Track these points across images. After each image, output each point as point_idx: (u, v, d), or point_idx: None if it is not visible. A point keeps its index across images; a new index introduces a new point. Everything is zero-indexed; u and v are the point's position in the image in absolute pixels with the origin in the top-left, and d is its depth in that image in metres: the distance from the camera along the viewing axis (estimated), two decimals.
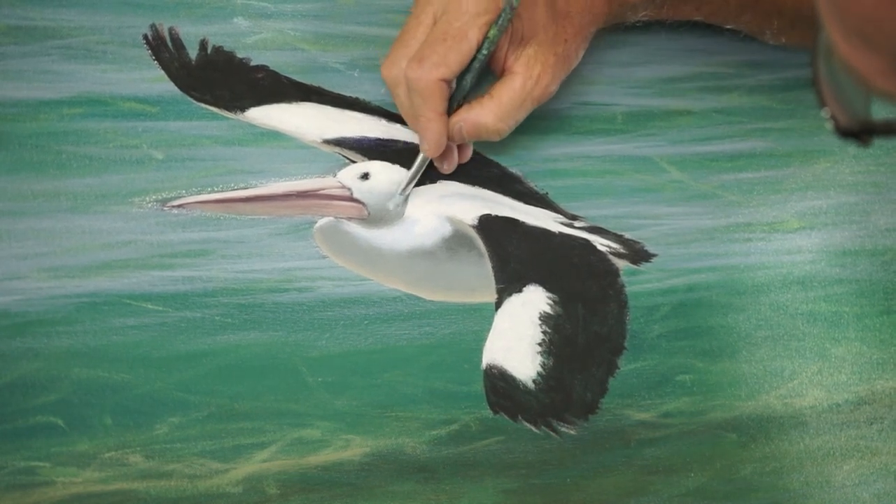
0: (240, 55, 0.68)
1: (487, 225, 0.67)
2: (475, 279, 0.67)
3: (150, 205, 0.65)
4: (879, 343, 0.73)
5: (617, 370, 0.68)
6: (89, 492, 0.60)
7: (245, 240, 0.65)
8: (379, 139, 0.69)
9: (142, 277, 0.63)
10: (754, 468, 0.68)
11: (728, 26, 0.72)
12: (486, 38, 0.62)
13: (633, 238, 0.71)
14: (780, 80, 0.76)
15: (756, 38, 0.73)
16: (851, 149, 0.76)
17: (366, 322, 0.65)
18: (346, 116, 0.69)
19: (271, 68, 0.69)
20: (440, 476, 0.64)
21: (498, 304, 0.66)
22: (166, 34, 0.67)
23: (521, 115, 0.66)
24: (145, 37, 0.67)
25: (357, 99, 0.69)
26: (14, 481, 0.59)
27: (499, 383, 0.65)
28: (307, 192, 0.66)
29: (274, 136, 0.67)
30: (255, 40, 0.69)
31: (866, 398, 0.71)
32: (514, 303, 0.66)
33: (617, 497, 0.66)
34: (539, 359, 0.65)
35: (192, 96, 0.67)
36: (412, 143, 0.67)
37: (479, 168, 0.70)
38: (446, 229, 0.67)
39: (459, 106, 0.65)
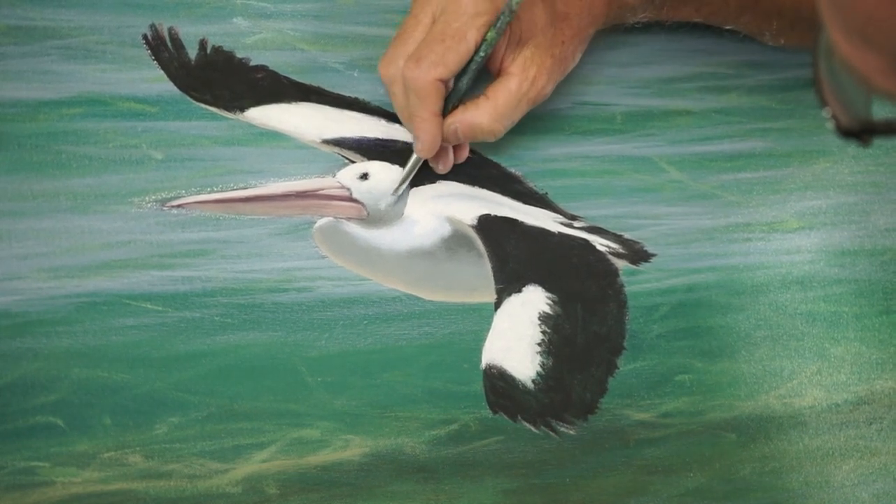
0: (239, 55, 0.68)
1: (487, 225, 0.67)
2: (474, 279, 0.67)
3: (149, 205, 0.65)
4: (878, 343, 0.73)
5: (616, 370, 0.68)
6: (89, 492, 0.60)
7: (244, 240, 0.65)
8: (378, 139, 0.69)
9: (141, 277, 0.63)
10: (754, 468, 0.68)
11: (727, 27, 0.72)
12: (483, 40, 0.62)
13: (633, 238, 0.71)
14: (780, 80, 0.76)
15: (755, 39, 0.73)
16: (851, 149, 0.76)
17: (365, 322, 0.65)
18: (345, 116, 0.69)
19: (271, 68, 0.69)
20: (440, 476, 0.64)
21: (497, 304, 0.66)
22: (166, 34, 0.67)
23: (517, 116, 0.66)
24: (145, 37, 0.67)
25: (356, 99, 0.69)
26: (14, 481, 0.59)
27: (498, 383, 0.65)
28: (306, 192, 0.66)
29: (273, 136, 0.67)
30: (255, 40, 0.69)
31: (865, 398, 0.71)
32: (513, 303, 0.66)
33: (616, 497, 0.66)
34: (538, 359, 0.65)
35: (191, 96, 0.67)
36: (411, 144, 0.67)
37: (479, 168, 0.70)
38: (445, 229, 0.67)
39: (455, 107, 0.65)
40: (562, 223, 0.70)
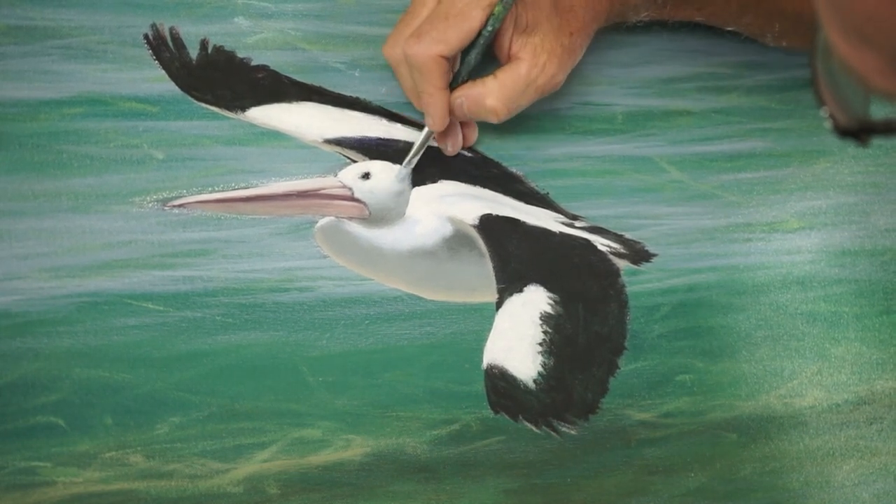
0: (240, 55, 0.68)
1: (488, 225, 0.67)
2: (476, 279, 0.67)
3: (150, 204, 0.65)
4: (879, 343, 0.73)
5: (617, 370, 0.68)
6: (90, 492, 0.60)
7: (246, 239, 0.65)
8: (380, 139, 0.69)
9: (142, 277, 0.63)
10: (754, 468, 0.69)
11: (729, 28, 0.73)
12: (491, 14, 0.62)
13: (634, 238, 0.71)
14: (779, 80, 0.76)
15: (757, 40, 0.73)
16: (851, 149, 0.76)
17: (367, 322, 0.65)
18: (346, 116, 0.69)
19: (272, 68, 0.68)
20: (441, 476, 0.64)
21: (499, 304, 0.66)
22: (167, 34, 0.67)
23: (524, 102, 0.66)
24: (146, 36, 0.67)
25: (358, 99, 0.69)
26: (14, 481, 0.59)
27: (499, 383, 0.65)
28: (308, 191, 0.66)
29: (274, 136, 0.67)
30: (256, 40, 0.68)
31: (866, 398, 0.72)
32: (514, 303, 0.66)
33: (617, 497, 0.66)
34: (540, 359, 0.65)
35: (192, 96, 0.67)
36: (412, 143, 0.67)
37: (480, 168, 0.70)
38: (447, 229, 0.67)
39: (464, 82, 0.65)
40: (563, 223, 0.70)
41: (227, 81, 0.67)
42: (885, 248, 0.75)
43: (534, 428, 0.65)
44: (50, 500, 0.59)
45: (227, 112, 0.67)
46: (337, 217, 0.66)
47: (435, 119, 0.65)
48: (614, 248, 0.70)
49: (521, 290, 0.67)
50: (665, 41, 0.75)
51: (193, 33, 0.68)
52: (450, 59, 0.63)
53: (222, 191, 0.66)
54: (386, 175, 0.66)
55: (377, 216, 0.66)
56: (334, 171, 0.67)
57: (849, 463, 0.70)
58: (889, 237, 0.75)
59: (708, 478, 0.68)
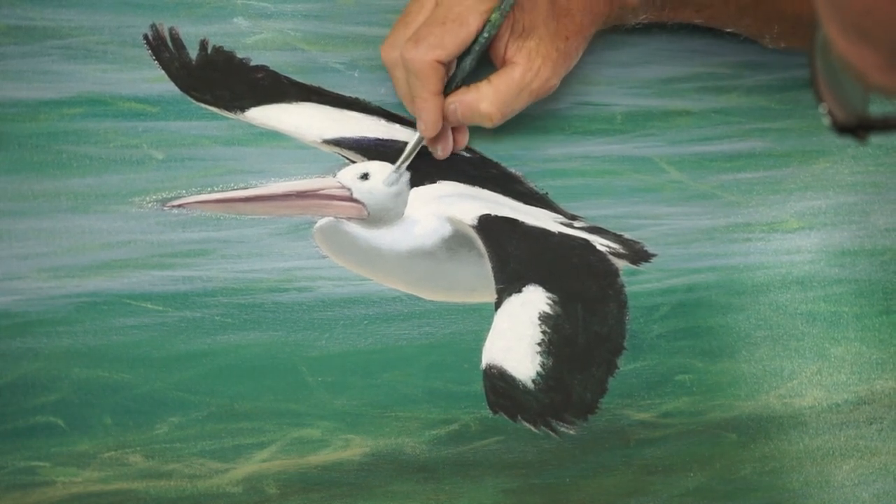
0: (240, 55, 0.68)
1: (487, 225, 0.67)
2: (475, 279, 0.67)
3: (150, 205, 0.65)
4: (879, 343, 0.73)
5: (616, 370, 0.68)
6: (89, 492, 0.60)
7: (245, 240, 0.65)
8: (378, 139, 0.69)
9: (142, 277, 0.63)
10: (754, 468, 0.69)
11: (728, 30, 0.72)
12: (487, 21, 0.63)
13: (633, 238, 0.71)
14: (779, 80, 0.76)
15: (756, 41, 0.73)
16: (850, 149, 0.76)
17: (366, 322, 0.66)
18: (345, 116, 0.69)
19: (271, 68, 0.68)
20: (440, 476, 0.64)
21: (498, 304, 0.66)
22: (166, 34, 0.67)
23: (518, 106, 0.66)
24: (145, 37, 0.67)
25: (357, 99, 0.69)
26: (14, 481, 0.59)
27: (498, 383, 0.65)
28: (307, 192, 0.66)
29: (274, 136, 0.67)
30: (255, 40, 0.69)
31: (866, 398, 0.71)
32: (513, 303, 0.66)
33: (616, 497, 0.66)
34: (539, 359, 0.65)
35: (192, 96, 0.67)
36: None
37: (479, 168, 0.70)
38: (446, 229, 0.67)
39: (458, 88, 0.65)
40: (562, 223, 0.70)
41: (226, 82, 0.67)
42: (885, 247, 0.75)
43: (532, 428, 0.65)
44: (49, 499, 0.59)
45: (227, 112, 0.67)
46: (336, 217, 0.66)
47: (427, 125, 0.65)
48: (613, 249, 0.70)
49: (519, 291, 0.67)
50: (664, 41, 0.74)
51: (193, 33, 0.68)
52: (446, 65, 0.63)
53: (222, 191, 0.66)
54: (385, 175, 0.66)
55: (376, 216, 0.66)
56: (333, 171, 0.67)
57: (848, 463, 0.70)
58: (889, 237, 0.75)
59: (707, 478, 0.68)
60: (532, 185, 0.70)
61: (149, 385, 0.62)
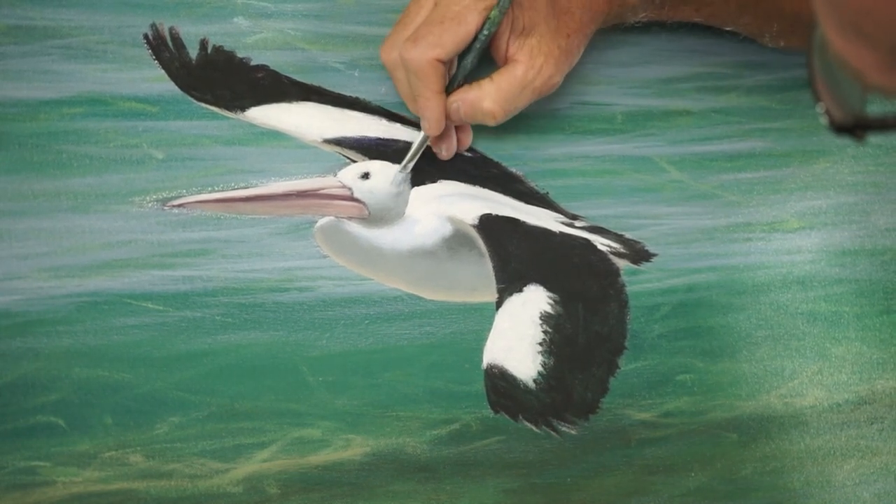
0: (240, 55, 0.68)
1: (488, 224, 0.67)
2: (476, 279, 0.67)
3: (150, 204, 0.65)
4: (879, 343, 0.73)
5: (617, 370, 0.68)
6: (90, 491, 0.60)
7: (245, 239, 0.65)
8: (379, 139, 0.69)
9: (142, 277, 0.63)
10: (755, 468, 0.68)
11: (727, 28, 0.73)
12: (487, 18, 0.63)
13: (634, 238, 0.71)
14: (779, 80, 0.76)
15: (755, 40, 0.73)
16: (851, 149, 0.76)
17: (366, 322, 0.65)
18: (346, 116, 0.69)
19: (271, 68, 0.68)
20: (441, 476, 0.64)
21: (498, 304, 0.66)
22: (166, 34, 0.67)
23: (521, 104, 0.66)
24: (145, 36, 0.67)
25: (357, 98, 0.69)
26: (14, 481, 0.59)
27: (499, 383, 0.65)
28: (307, 191, 0.66)
29: (274, 136, 0.67)
30: (256, 40, 0.69)
31: (867, 398, 0.71)
32: (514, 302, 0.66)
33: (617, 497, 0.66)
34: (540, 358, 0.65)
35: (192, 96, 0.67)
36: (412, 143, 0.67)
37: (480, 168, 0.70)
38: (447, 229, 0.67)
39: (460, 86, 0.65)
40: (563, 223, 0.70)
41: (226, 81, 0.67)
42: (886, 247, 0.75)
43: (534, 428, 0.65)
44: (50, 499, 0.59)
45: (227, 112, 0.67)
46: (336, 217, 0.66)
47: (431, 123, 0.65)
48: (614, 248, 0.70)
49: (520, 290, 0.67)
50: (664, 41, 0.75)
51: (193, 33, 0.68)
52: (446, 63, 0.63)
53: (222, 191, 0.66)
54: (385, 175, 0.66)
55: (377, 216, 0.66)
56: (334, 170, 0.67)
57: (849, 462, 0.70)
58: (889, 237, 0.75)
59: (708, 477, 0.68)
60: (533, 184, 0.70)
61: (149, 385, 0.62)
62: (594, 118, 0.73)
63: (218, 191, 0.65)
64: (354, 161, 0.68)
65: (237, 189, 0.66)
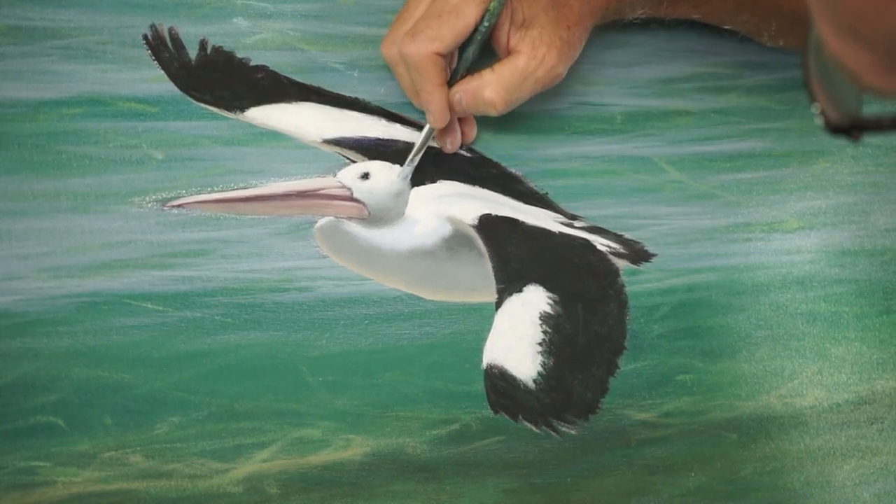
0: (239, 55, 0.68)
1: (487, 225, 0.67)
2: (475, 279, 0.67)
3: (149, 205, 0.65)
4: (879, 343, 0.73)
5: (617, 370, 0.68)
6: (89, 491, 0.60)
7: (245, 239, 0.65)
8: (379, 139, 0.69)
9: (142, 277, 0.63)
10: (755, 468, 0.68)
11: (726, 26, 0.73)
12: (487, 10, 0.63)
13: (633, 238, 0.71)
14: (778, 80, 0.76)
15: (754, 39, 0.73)
16: (850, 149, 0.76)
17: (366, 322, 0.65)
18: (345, 116, 0.69)
19: (271, 68, 0.68)
20: (441, 476, 0.64)
21: (498, 304, 0.66)
22: (166, 34, 0.67)
23: (523, 95, 0.66)
24: (145, 37, 0.67)
25: (356, 99, 0.69)
26: (14, 481, 0.59)
27: (499, 383, 0.65)
28: (307, 191, 0.66)
29: (274, 136, 0.67)
30: (255, 40, 0.69)
31: (866, 398, 0.71)
32: (514, 302, 0.66)
33: (617, 497, 0.66)
34: (539, 358, 0.65)
35: (191, 96, 0.67)
36: (412, 143, 0.67)
37: (479, 168, 0.70)
38: (446, 229, 0.67)
39: (462, 78, 0.65)
40: (562, 223, 0.70)
41: (226, 82, 0.67)
42: (885, 247, 0.75)
43: (533, 428, 0.65)
44: (49, 499, 0.59)
45: (227, 112, 0.67)
46: (336, 217, 0.66)
47: (435, 115, 0.65)
48: (614, 248, 0.70)
49: (520, 290, 0.67)
50: (664, 41, 0.75)
51: (192, 33, 0.68)
52: (446, 56, 0.63)
53: (221, 191, 0.66)
54: (385, 175, 0.66)
55: (376, 216, 0.66)
56: (333, 171, 0.67)
57: (849, 463, 0.70)
58: (889, 237, 0.75)
59: (708, 478, 0.68)
60: (532, 184, 0.70)
61: (149, 385, 0.62)
62: (593, 118, 0.73)
63: (217, 191, 0.65)
64: (354, 161, 0.68)
65: (237, 189, 0.66)
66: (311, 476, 0.63)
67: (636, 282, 0.70)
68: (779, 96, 0.76)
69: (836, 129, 0.41)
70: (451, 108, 0.65)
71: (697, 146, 0.74)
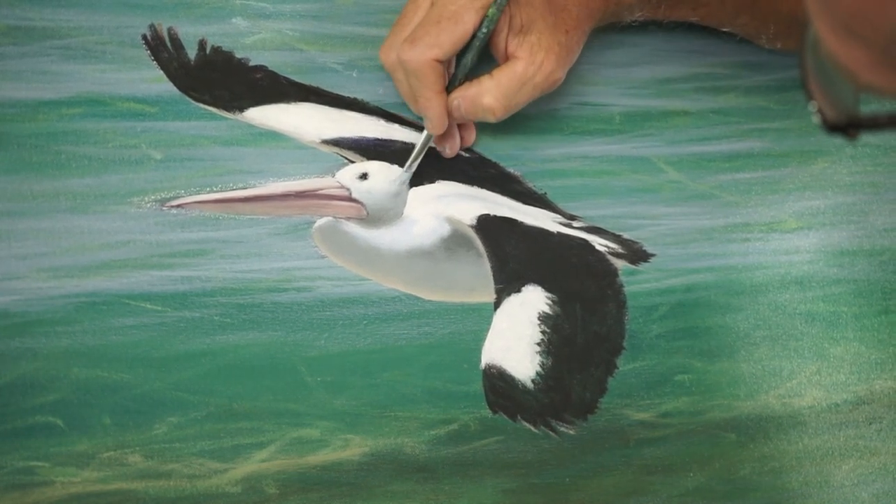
0: (238, 55, 0.68)
1: (486, 225, 0.67)
2: (474, 279, 0.67)
3: (148, 205, 0.65)
4: (878, 343, 0.73)
5: (616, 370, 0.68)
6: (88, 492, 0.60)
7: (244, 240, 0.65)
8: (377, 139, 0.69)
9: (141, 277, 0.63)
10: (753, 468, 0.68)
11: (724, 29, 0.73)
12: (485, 16, 0.63)
13: (632, 238, 0.71)
14: (777, 80, 0.76)
15: (752, 41, 0.73)
16: (849, 149, 0.76)
17: (365, 322, 0.66)
18: (344, 117, 0.69)
19: (270, 68, 0.69)
20: (439, 476, 0.64)
21: (497, 304, 0.66)
22: (165, 34, 0.67)
23: (522, 100, 0.66)
24: (144, 37, 0.67)
25: (355, 99, 0.69)
26: (13, 481, 0.59)
27: (498, 383, 0.65)
28: (306, 192, 0.66)
29: (272, 137, 0.67)
30: (254, 40, 0.69)
31: (865, 398, 0.71)
32: (512, 303, 0.66)
33: (616, 497, 0.66)
34: (538, 358, 0.65)
35: (190, 96, 0.67)
36: (410, 144, 0.67)
37: (478, 168, 0.70)
38: (445, 229, 0.67)
39: (461, 84, 0.65)
40: (561, 223, 0.70)
41: (225, 82, 0.67)
42: (884, 247, 0.75)
43: (532, 428, 0.65)
44: (48, 499, 0.59)
45: (225, 112, 0.67)
46: (335, 217, 0.66)
47: (434, 122, 0.65)
48: (612, 248, 0.70)
49: (519, 290, 0.67)
50: (662, 41, 0.75)
51: (192, 34, 0.68)
52: (445, 63, 0.63)
53: (220, 191, 0.66)
54: (384, 175, 0.67)
55: (375, 216, 0.66)
56: (332, 171, 0.67)
57: (848, 463, 0.70)
58: (887, 237, 0.75)
59: (707, 478, 0.68)
60: (530, 184, 0.70)
61: (148, 385, 0.62)
62: (592, 119, 0.73)
63: (216, 191, 0.66)
64: (353, 161, 0.68)
65: (235, 189, 0.66)
66: (310, 476, 0.63)
67: (635, 282, 0.70)
68: (777, 96, 0.76)
69: (833, 128, 0.41)
70: (449, 114, 0.65)
71: (696, 146, 0.74)
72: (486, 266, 0.67)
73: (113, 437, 0.61)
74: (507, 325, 0.66)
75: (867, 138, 0.76)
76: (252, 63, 0.68)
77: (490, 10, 0.62)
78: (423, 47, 0.62)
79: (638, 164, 0.73)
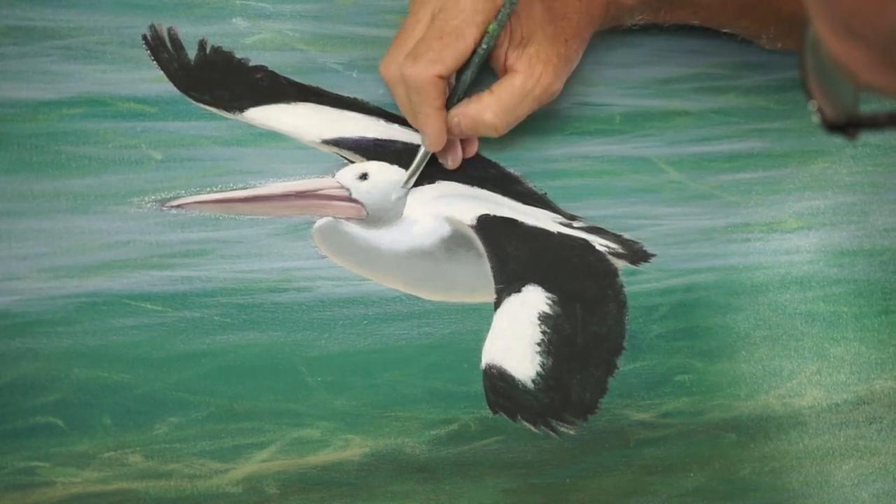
0: (238, 55, 0.68)
1: (486, 225, 0.67)
2: (474, 279, 0.67)
3: (149, 205, 0.65)
4: (878, 343, 0.73)
5: (616, 370, 0.68)
6: (89, 492, 0.60)
7: (244, 240, 0.65)
8: (377, 139, 0.69)
9: (141, 277, 0.63)
10: (753, 468, 0.68)
11: (725, 30, 0.73)
12: (486, 32, 0.63)
13: (632, 238, 0.71)
14: (777, 80, 0.76)
15: (753, 42, 0.73)
16: (849, 149, 0.76)
17: (365, 322, 0.65)
18: (344, 117, 0.69)
19: (270, 69, 0.69)
20: (440, 476, 0.64)
21: (497, 304, 0.66)
22: (165, 34, 0.67)
23: (522, 113, 0.66)
24: (144, 37, 0.67)
25: (355, 99, 0.69)
26: (14, 481, 0.59)
27: (498, 383, 0.65)
28: (306, 192, 0.66)
29: (272, 137, 0.67)
30: (254, 41, 0.69)
31: (865, 398, 0.71)
32: (513, 303, 0.66)
33: (616, 497, 0.66)
34: (538, 358, 0.65)
35: (190, 96, 0.67)
36: (410, 144, 0.67)
37: (478, 168, 0.70)
38: (445, 229, 0.67)
39: (460, 100, 0.65)
40: (561, 223, 0.70)
41: (225, 82, 0.68)
42: (884, 247, 0.75)
43: (532, 428, 0.65)
44: (49, 500, 0.59)
45: (226, 112, 0.67)
46: (335, 217, 0.66)
47: (432, 140, 0.65)
48: (613, 249, 0.70)
49: (519, 291, 0.67)
50: (663, 42, 0.75)
51: (192, 34, 0.68)
52: (446, 79, 0.63)
53: (220, 191, 0.66)
54: (384, 176, 0.67)
55: (375, 216, 0.66)
56: (332, 171, 0.67)
57: (848, 463, 0.70)
58: (887, 237, 0.75)
59: (707, 478, 0.68)
60: (531, 185, 0.71)
61: (148, 385, 0.62)
62: (593, 119, 0.73)
63: (216, 191, 0.66)
64: (352, 162, 0.68)
65: (236, 190, 0.66)
66: (311, 476, 0.63)
67: (635, 282, 0.70)
68: (777, 96, 0.76)
69: (832, 127, 0.41)
70: (449, 131, 0.65)
71: (696, 146, 0.74)
72: (487, 266, 0.67)
73: (113, 438, 0.61)
74: (507, 326, 0.66)
75: (867, 138, 0.76)
76: (252, 63, 0.68)
77: (490, 26, 0.63)
78: (425, 63, 0.62)
79: (638, 164, 0.73)
